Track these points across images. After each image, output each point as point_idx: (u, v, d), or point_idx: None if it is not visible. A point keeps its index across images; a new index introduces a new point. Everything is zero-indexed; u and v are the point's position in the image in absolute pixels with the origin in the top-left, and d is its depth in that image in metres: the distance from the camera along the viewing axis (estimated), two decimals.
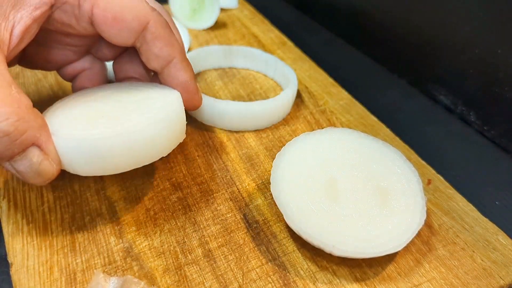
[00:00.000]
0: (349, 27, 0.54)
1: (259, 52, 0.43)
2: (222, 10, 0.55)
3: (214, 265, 0.26)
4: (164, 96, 0.28)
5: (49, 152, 0.24)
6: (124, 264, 0.26)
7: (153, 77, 0.32)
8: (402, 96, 0.46)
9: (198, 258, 0.27)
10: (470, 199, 0.31)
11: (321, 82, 0.43)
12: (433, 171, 0.33)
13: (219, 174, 0.32)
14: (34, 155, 0.23)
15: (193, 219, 0.29)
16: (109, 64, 0.35)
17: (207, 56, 0.43)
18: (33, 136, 0.23)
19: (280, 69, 0.41)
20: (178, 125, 0.28)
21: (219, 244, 0.27)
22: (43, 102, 0.39)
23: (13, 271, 0.26)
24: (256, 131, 0.37)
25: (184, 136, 0.29)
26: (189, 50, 0.47)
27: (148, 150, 0.26)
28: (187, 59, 0.30)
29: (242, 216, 0.29)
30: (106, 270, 0.26)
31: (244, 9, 0.56)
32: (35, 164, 0.23)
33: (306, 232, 0.25)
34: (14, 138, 0.22)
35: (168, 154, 0.29)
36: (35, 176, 0.24)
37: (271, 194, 0.28)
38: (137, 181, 0.31)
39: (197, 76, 0.43)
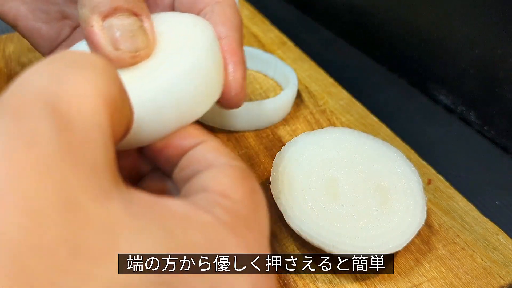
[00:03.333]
0: (349, 27, 0.54)
1: (259, 52, 0.43)
2: None
3: None
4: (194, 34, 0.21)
5: None
6: None
7: None
8: (402, 96, 0.46)
9: None
10: (470, 199, 0.31)
11: (321, 82, 0.43)
12: (433, 171, 0.33)
13: None
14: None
15: None
16: None
17: None
18: None
19: (280, 69, 0.41)
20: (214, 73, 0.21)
21: None
22: None
23: None
24: (256, 131, 0.37)
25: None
26: None
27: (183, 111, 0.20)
28: (241, 46, 0.24)
29: None
30: None
31: (244, 9, 0.56)
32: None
33: (306, 232, 0.25)
34: None
35: None
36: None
37: (271, 194, 0.28)
38: None
39: None
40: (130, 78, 0.18)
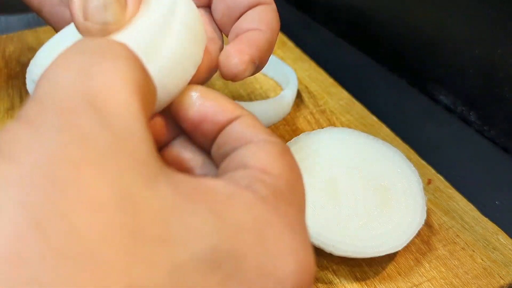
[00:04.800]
0: (349, 27, 0.54)
1: None
2: None
3: None
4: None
5: None
6: None
7: None
8: (402, 96, 0.46)
9: None
10: (470, 199, 0.31)
11: (321, 82, 0.43)
12: (433, 171, 0.33)
13: None
14: None
15: None
16: None
17: None
18: None
19: (280, 69, 0.41)
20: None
21: None
22: None
23: None
24: None
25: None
26: None
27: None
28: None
29: None
30: None
31: None
32: None
33: None
34: None
35: None
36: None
37: None
38: None
39: None
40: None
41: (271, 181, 0.15)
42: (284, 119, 0.38)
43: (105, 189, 0.11)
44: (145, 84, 0.15)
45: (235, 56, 0.22)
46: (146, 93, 0.15)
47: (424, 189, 0.28)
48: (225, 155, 0.18)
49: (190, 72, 0.20)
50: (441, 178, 0.32)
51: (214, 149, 0.19)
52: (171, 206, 0.12)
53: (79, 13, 0.19)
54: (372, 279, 0.26)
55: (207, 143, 0.19)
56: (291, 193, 0.16)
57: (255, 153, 0.16)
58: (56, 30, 0.30)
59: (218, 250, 0.12)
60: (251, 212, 0.14)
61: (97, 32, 0.19)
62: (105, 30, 0.19)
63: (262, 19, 0.24)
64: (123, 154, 0.12)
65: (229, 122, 0.18)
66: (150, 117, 0.16)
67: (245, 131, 0.18)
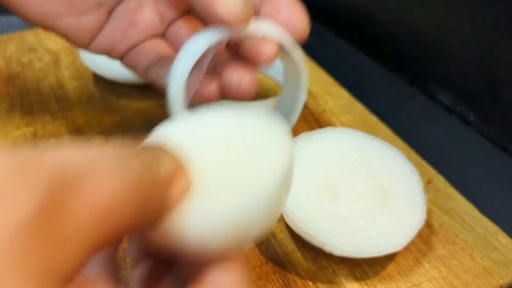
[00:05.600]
0: (349, 27, 0.54)
1: None
2: None
3: None
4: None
5: None
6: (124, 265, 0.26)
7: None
8: (402, 96, 0.46)
9: None
10: (470, 199, 0.31)
11: (321, 82, 0.43)
12: (433, 171, 0.33)
13: None
14: None
15: None
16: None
17: None
18: None
19: (280, 69, 0.41)
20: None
21: None
22: (43, 102, 0.39)
23: None
24: None
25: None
26: None
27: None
28: None
29: None
30: None
31: None
32: None
33: (306, 232, 0.25)
34: None
35: None
36: None
37: None
38: None
39: None
40: (221, 188, 0.17)
41: None
42: None
43: None
44: (133, 209, 0.13)
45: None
46: (125, 217, 0.13)
47: (424, 189, 0.28)
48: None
49: (241, 241, 0.17)
50: (441, 178, 0.32)
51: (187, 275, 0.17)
52: None
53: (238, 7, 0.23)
54: (372, 279, 0.26)
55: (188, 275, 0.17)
56: None
57: None
58: (73, 40, 0.29)
59: None
60: None
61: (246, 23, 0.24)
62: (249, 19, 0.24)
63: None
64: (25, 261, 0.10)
65: (217, 269, 0.17)
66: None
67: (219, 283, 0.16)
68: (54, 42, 0.47)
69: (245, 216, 0.16)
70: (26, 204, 0.10)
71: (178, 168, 0.15)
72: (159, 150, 0.15)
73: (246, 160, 0.18)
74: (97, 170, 0.12)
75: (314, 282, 0.26)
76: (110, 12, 0.29)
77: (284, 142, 0.19)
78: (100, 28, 0.29)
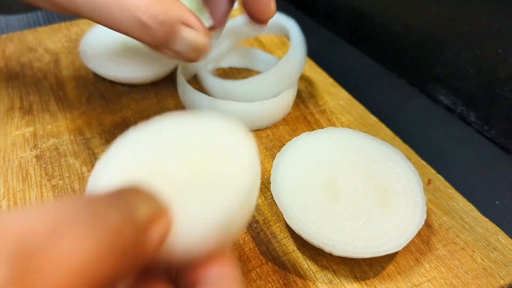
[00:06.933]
0: (349, 27, 0.54)
1: (259, 52, 0.43)
2: None
3: None
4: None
5: (197, 27, 0.26)
6: None
7: None
8: (402, 96, 0.46)
9: None
10: (470, 199, 0.31)
11: (321, 82, 0.43)
12: (433, 171, 0.33)
13: None
14: (187, 33, 0.25)
15: None
16: None
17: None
18: (179, 16, 0.25)
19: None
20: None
21: None
22: (43, 102, 0.39)
23: None
24: (256, 131, 0.37)
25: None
26: None
27: None
28: None
29: None
30: None
31: None
32: (191, 40, 0.26)
33: (306, 232, 0.25)
34: (165, 23, 0.24)
35: None
36: (193, 51, 0.26)
37: (271, 194, 0.28)
38: None
39: (195, 77, 0.43)
40: (180, 197, 0.17)
41: None
42: (284, 119, 0.38)
43: None
44: (111, 266, 0.13)
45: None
46: (104, 274, 0.12)
47: (424, 189, 0.28)
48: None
49: (223, 241, 0.18)
50: (441, 178, 0.32)
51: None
52: None
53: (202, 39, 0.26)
54: (372, 279, 0.26)
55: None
56: None
57: None
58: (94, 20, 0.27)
59: None
60: None
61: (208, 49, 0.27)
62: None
63: None
64: None
65: (213, 278, 0.17)
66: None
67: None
68: (53, 42, 0.47)
69: (225, 216, 0.17)
70: None
71: (156, 209, 0.15)
72: (133, 194, 0.14)
73: (215, 165, 0.19)
74: (65, 231, 0.12)
75: (314, 282, 0.26)
76: None
77: (246, 142, 0.20)
78: None
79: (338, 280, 0.26)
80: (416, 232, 0.26)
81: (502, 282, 0.26)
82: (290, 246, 0.28)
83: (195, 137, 0.20)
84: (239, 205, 0.17)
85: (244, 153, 0.19)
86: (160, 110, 0.38)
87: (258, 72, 0.44)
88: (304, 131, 0.34)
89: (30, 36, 0.48)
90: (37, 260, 0.11)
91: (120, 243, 0.13)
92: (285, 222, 0.27)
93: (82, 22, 0.50)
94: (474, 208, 0.30)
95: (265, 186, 0.31)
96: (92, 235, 0.12)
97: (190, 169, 0.18)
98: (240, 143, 0.20)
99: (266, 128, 0.37)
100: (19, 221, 0.12)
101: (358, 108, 0.39)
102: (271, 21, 0.39)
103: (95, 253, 0.12)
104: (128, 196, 0.14)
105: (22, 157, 0.34)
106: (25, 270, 0.11)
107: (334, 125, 0.37)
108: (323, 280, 0.26)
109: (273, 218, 0.29)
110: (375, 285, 0.25)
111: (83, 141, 0.35)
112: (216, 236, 0.17)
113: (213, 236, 0.17)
